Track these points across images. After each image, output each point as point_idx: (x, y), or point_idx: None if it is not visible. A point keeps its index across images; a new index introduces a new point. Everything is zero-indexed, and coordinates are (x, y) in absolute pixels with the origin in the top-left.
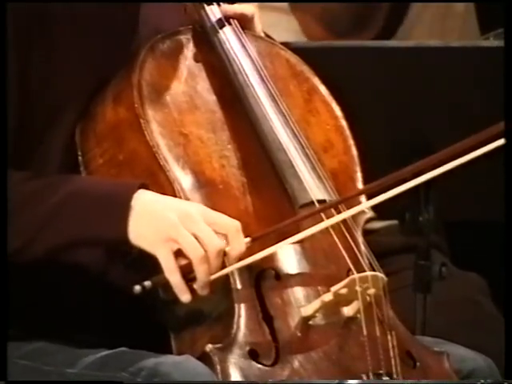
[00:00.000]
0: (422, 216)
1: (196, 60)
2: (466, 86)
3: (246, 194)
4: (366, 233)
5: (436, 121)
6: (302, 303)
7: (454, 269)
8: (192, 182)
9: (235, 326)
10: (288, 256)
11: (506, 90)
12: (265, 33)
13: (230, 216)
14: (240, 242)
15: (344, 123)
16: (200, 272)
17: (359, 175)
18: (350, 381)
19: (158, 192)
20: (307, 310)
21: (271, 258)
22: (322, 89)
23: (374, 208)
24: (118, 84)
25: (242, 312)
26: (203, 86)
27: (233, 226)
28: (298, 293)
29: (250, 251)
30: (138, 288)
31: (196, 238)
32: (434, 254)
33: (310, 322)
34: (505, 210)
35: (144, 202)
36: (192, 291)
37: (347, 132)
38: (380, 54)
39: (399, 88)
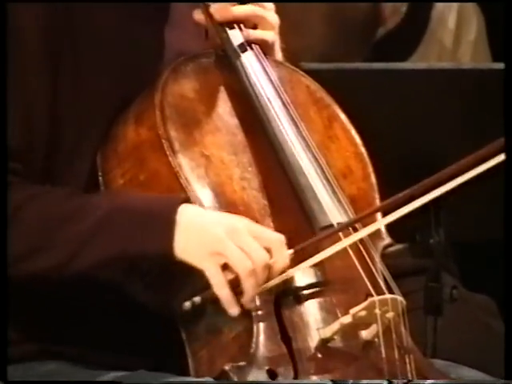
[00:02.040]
0: (433, 238)
1: (218, 83)
2: (479, 107)
3: (266, 217)
4: None
5: (449, 142)
6: (321, 325)
7: (465, 291)
8: (213, 203)
9: (254, 346)
10: (307, 277)
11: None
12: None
13: None
14: (284, 256)
15: (363, 150)
16: (248, 286)
17: (378, 202)
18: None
19: None
20: (326, 332)
21: (291, 278)
22: (342, 116)
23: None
24: (140, 105)
25: (260, 332)
26: (225, 108)
27: (277, 239)
28: (316, 314)
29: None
30: (187, 304)
31: (243, 252)
32: (445, 277)
33: (329, 345)
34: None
35: (189, 216)
36: (240, 305)
37: (366, 159)
38: (393, 75)
39: (412, 110)
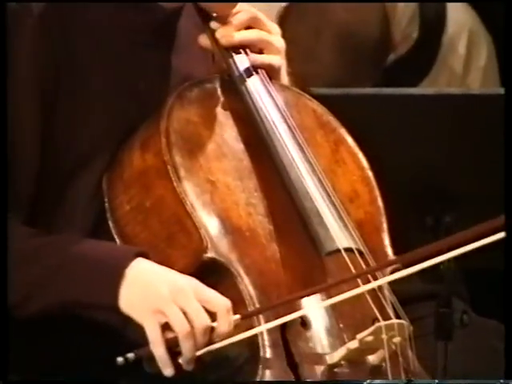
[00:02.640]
0: (443, 264)
1: (223, 108)
2: (488, 132)
3: (273, 242)
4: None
5: (459, 168)
6: (328, 350)
7: (475, 316)
8: (219, 228)
9: (260, 373)
10: (314, 303)
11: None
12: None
13: (256, 263)
14: (228, 322)
15: (370, 174)
16: (185, 347)
17: (385, 226)
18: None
19: (184, 239)
20: (333, 358)
21: (297, 305)
22: (349, 139)
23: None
24: (146, 131)
25: (267, 358)
26: (230, 133)
27: (223, 304)
28: (323, 340)
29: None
30: (120, 360)
31: (184, 313)
32: (455, 302)
33: (336, 370)
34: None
35: (138, 271)
36: (177, 365)
37: (373, 183)
38: (402, 101)
39: (421, 134)
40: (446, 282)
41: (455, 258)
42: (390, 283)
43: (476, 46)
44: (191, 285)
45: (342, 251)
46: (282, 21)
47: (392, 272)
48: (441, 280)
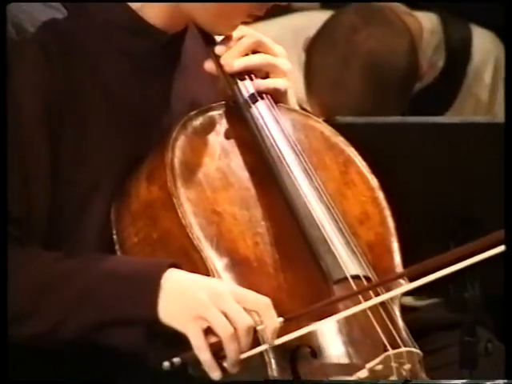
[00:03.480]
0: (468, 292)
1: (229, 136)
2: None
3: (280, 271)
4: (410, 310)
5: (483, 195)
6: (338, 379)
7: (499, 344)
8: (226, 260)
9: None
10: (324, 332)
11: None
12: (300, 106)
13: (264, 293)
14: (272, 318)
15: (380, 194)
16: (230, 350)
17: (396, 246)
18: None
19: (191, 271)
20: None
21: (307, 334)
22: (358, 160)
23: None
24: (152, 162)
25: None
26: (236, 162)
27: (263, 302)
28: (333, 369)
29: (283, 330)
30: (166, 364)
31: (226, 316)
32: (480, 330)
33: None
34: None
35: (173, 280)
36: (223, 369)
37: (383, 203)
38: (428, 129)
39: (447, 163)
40: (471, 310)
41: (479, 286)
42: (412, 311)
43: (501, 75)
44: (228, 287)
45: (350, 279)
46: (310, 50)
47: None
48: (465, 308)
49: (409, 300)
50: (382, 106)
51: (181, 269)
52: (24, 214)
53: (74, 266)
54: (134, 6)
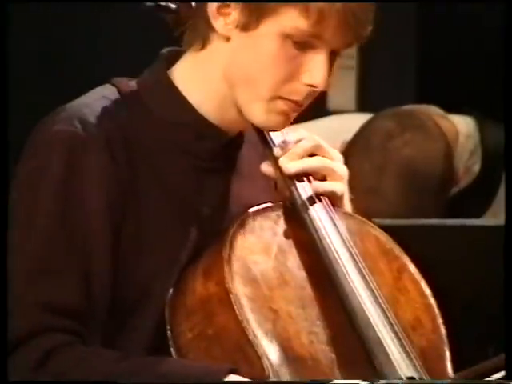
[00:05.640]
0: None
1: (286, 236)
2: None
3: (335, 370)
4: None
5: None
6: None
7: None
8: (281, 357)
9: None
10: None
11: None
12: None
13: None
14: None
15: (433, 302)
16: None
17: (448, 354)
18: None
19: (247, 367)
20: None
21: None
22: (411, 267)
23: None
24: (208, 258)
25: None
26: (293, 261)
27: None
28: None
29: None
30: None
31: None
32: None
33: None
34: None
35: None
36: None
37: (436, 311)
38: (465, 232)
39: (485, 266)
40: None
41: None
42: None
43: None
44: None
45: (405, 380)
46: (346, 155)
47: None
48: None
49: None
50: (418, 211)
51: (239, 374)
52: (84, 308)
53: (135, 367)
54: (193, 103)
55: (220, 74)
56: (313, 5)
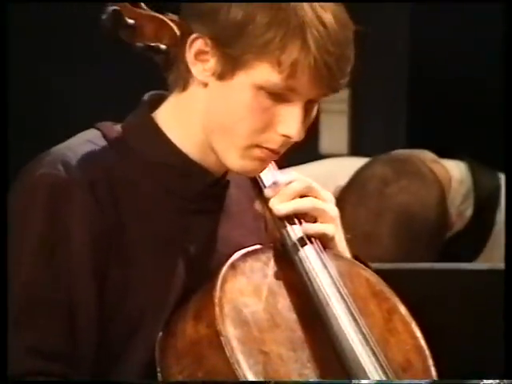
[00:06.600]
0: None
1: (277, 278)
2: None
3: None
4: None
5: None
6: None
7: None
8: None
9: None
10: None
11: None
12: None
13: None
14: None
15: (423, 343)
16: None
17: None
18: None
19: None
20: None
21: None
22: (402, 309)
23: None
24: (199, 301)
25: None
26: (283, 303)
27: None
28: None
29: None
30: None
31: None
32: None
33: None
34: None
35: None
36: None
37: (427, 352)
38: (456, 275)
39: (475, 309)
40: None
41: None
42: None
43: None
44: None
45: None
46: (341, 199)
47: None
48: None
49: None
50: (412, 256)
51: None
52: (70, 350)
53: None
54: (177, 143)
55: (198, 120)
56: (285, 59)
